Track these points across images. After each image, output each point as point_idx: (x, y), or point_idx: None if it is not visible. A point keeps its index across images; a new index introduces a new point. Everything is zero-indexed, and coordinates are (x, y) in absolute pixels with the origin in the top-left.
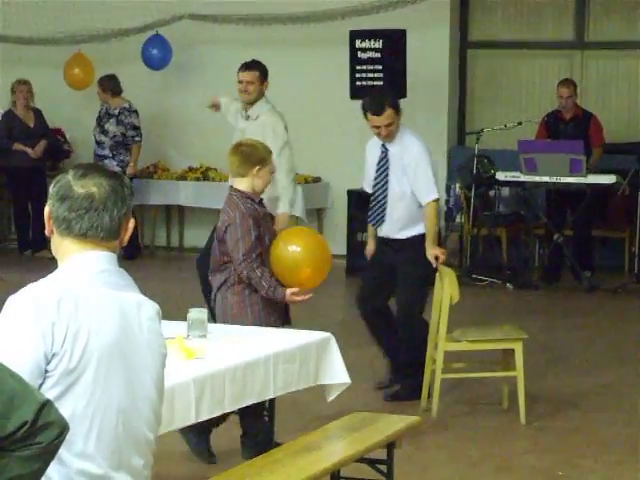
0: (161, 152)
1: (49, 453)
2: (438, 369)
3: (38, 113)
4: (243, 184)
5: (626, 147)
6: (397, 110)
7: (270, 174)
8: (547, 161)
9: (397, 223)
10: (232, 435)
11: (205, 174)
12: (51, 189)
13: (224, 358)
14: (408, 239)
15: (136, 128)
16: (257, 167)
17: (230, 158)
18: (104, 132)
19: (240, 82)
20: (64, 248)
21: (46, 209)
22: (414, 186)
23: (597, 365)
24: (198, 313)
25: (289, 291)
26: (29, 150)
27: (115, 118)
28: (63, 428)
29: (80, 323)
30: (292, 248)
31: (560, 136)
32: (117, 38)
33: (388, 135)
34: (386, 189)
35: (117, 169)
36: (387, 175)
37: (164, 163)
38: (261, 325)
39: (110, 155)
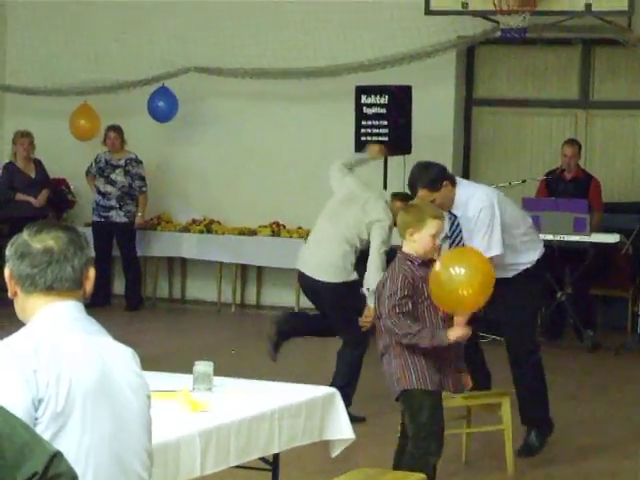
0: (165, 204)
1: None
2: None
3: (39, 163)
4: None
5: (629, 206)
6: (432, 188)
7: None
8: (551, 219)
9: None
10: None
11: (208, 227)
12: (7, 251)
13: (230, 412)
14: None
15: (143, 178)
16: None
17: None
18: (111, 183)
19: None
20: (31, 305)
21: (5, 271)
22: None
23: (598, 422)
24: (204, 366)
25: (450, 331)
26: (32, 200)
27: (122, 169)
28: (72, 479)
29: (60, 367)
30: (452, 269)
31: (560, 195)
32: (123, 90)
33: (441, 207)
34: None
35: (125, 220)
36: (461, 238)
37: (167, 215)
38: (428, 387)
39: (117, 206)
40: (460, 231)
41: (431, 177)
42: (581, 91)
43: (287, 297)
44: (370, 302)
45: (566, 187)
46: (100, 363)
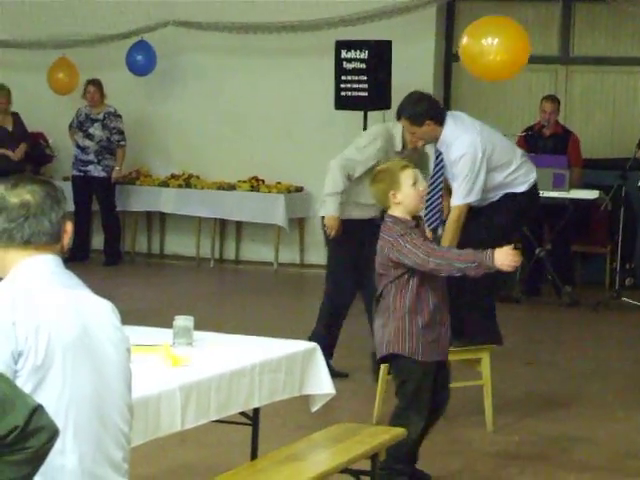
0: (143, 158)
1: (39, 458)
2: None
3: (16, 117)
4: None
5: (609, 162)
6: (413, 121)
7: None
8: None
9: None
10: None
11: (187, 181)
12: None
13: (210, 366)
14: None
15: (121, 132)
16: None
17: None
18: (89, 137)
19: None
20: (9, 259)
21: None
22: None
23: (576, 379)
24: (184, 321)
25: (499, 254)
26: (10, 153)
27: (100, 123)
28: (53, 433)
29: (39, 320)
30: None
31: (539, 151)
32: (102, 43)
33: (414, 143)
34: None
35: (103, 174)
36: (441, 175)
37: (146, 169)
38: (418, 358)
39: (95, 160)
40: (442, 169)
41: (416, 111)
42: (561, 47)
43: (266, 252)
44: (323, 211)
45: (545, 143)
46: (80, 317)
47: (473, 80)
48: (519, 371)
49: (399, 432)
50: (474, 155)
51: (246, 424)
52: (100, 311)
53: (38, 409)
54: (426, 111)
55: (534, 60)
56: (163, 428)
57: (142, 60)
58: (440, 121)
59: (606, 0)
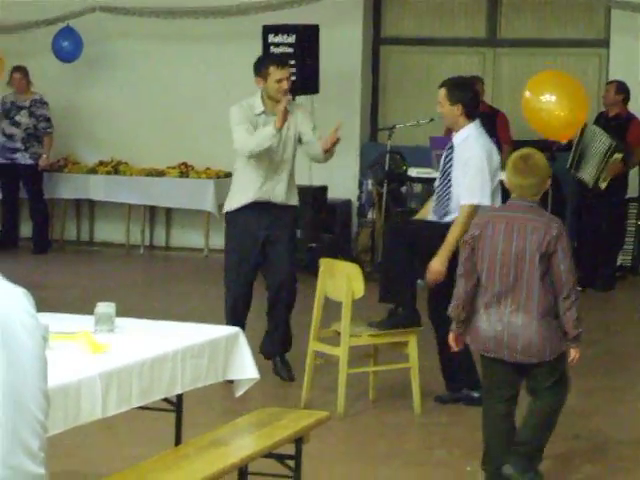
0: (71, 146)
1: None
2: (343, 364)
3: None
4: None
5: (537, 144)
6: (449, 98)
7: None
8: None
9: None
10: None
11: (116, 168)
12: None
13: (132, 353)
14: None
15: (48, 120)
16: None
17: None
18: (15, 124)
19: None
20: None
21: None
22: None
23: None
24: (106, 307)
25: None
26: None
27: (27, 110)
28: None
29: None
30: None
31: None
32: (27, 30)
33: (441, 116)
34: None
35: (30, 162)
36: (450, 172)
37: (74, 157)
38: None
39: (22, 148)
40: (451, 165)
41: (457, 90)
42: (489, 29)
43: (196, 239)
44: None
45: None
46: None
47: (401, 64)
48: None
49: (323, 416)
50: (489, 159)
51: (169, 410)
52: (12, 298)
53: None
54: (465, 97)
55: (462, 42)
56: (83, 416)
57: (68, 46)
58: (469, 114)
59: None
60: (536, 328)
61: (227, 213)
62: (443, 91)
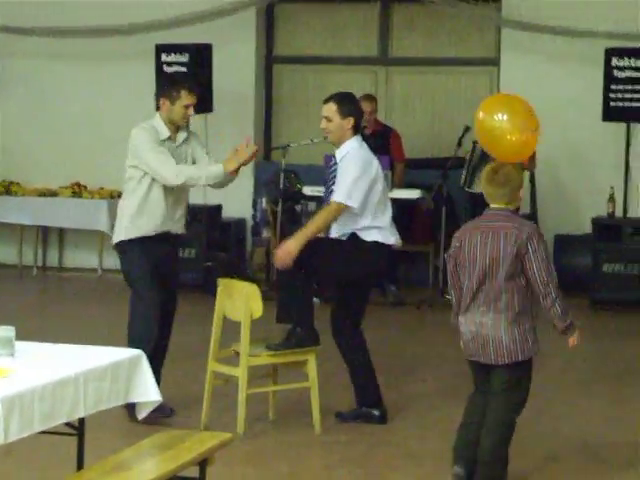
0: None
1: None
2: (243, 384)
3: None
4: None
5: (430, 162)
6: (340, 111)
7: None
8: None
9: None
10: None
11: (7, 188)
12: None
13: (33, 377)
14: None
15: None
16: None
17: None
18: None
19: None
20: None
21: None
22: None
23: (400, 377)
24: (5, 331)
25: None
26: None
27: None
28: None
29: None
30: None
31: None
32: None
33: (326, 132)
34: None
35: None
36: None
37: None
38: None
39: None
40: (334, 182)
41: (347, 104)
42: (380, 48)
43: (89, 259)
44: None
45: (367, 142)
46: None
47: (294, 82)
48: (343, 371)
49: (226, 437)
50: (365, 164)
51: (71, 434)
52: None
53: None
54: (356, 110)
55: (354, 61)
56: None
57: None
58: (356, 129)
59: (423, 1)
60: (505, 329)
61: (123, 241)
62: (333, 106)
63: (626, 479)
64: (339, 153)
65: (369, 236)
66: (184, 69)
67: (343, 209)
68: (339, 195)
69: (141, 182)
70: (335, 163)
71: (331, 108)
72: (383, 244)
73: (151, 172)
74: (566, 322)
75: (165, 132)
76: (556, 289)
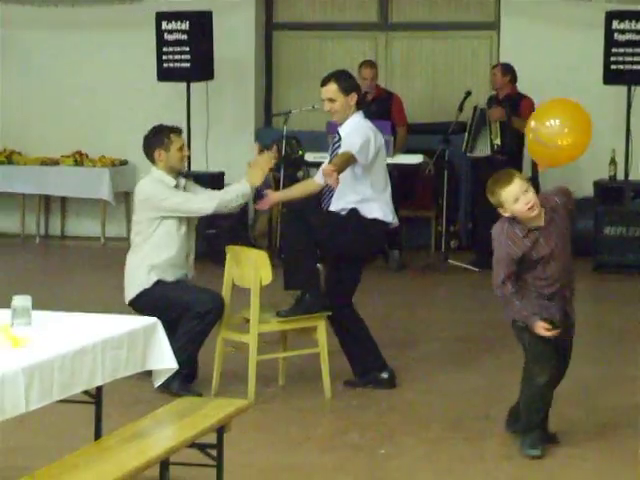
0: None
1: None
2: (253, 351)
3: None
4: None
5: (431, 127)
6: (343, 89)
7: None
8: None
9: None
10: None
11: (9, 158)
12: None
13: (52, 346)
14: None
15: None
16: None
17: None
18: None
19: None
20: None
21: None
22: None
23: (409, 342)
24: (22, 300)
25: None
26: None
27: None
28: None
29: None
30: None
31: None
32: None
33: (332, 112)
34: None
35: None
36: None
37: None
38: None
39: None
40: (336, 151)
41: (347, 81)
42: (380, 14)
43: (92, 227)
44: None
45: (369, 108)
46: None
47: (294, 48)
48: None
49: (243, 404)
50: (374, 135)
51: (89, 402)
52: None
53: None
54: (356, 85)
55: (353, 27)
56: (7, 411)
57: None
58: (360, 105)
59: None
60: None
61: (143, 292)
62: (333, 86)
63: (625, 438)
64: (343, 130)
65: (370, 213)
66: (185, 37)
67: (353, 160)
68: (349, 147)
69: (152, 235)
70: (339, 139)
71: (332, 88)
72: (383, 222)
73: (182, 212)
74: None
75: (171, 181)
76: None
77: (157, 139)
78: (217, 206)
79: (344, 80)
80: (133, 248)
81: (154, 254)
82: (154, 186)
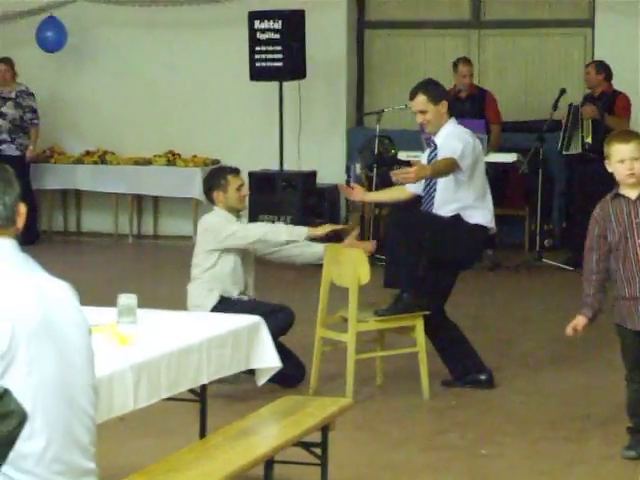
0: (57, 136)
1: (9, 442)
2: (351, 350)
3: None
4: None
5: (525, 125)
6: (432, 99)
7: None
8: None
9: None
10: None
11: (103, 158)
12: None
13: (158, 344)
14: None
15: (34, 111)
16: None
17: None
18: (1, 116)
19: None
20: None
21: None
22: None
23: (506, 341)
24: (127, 299)
25: None
26: None
27: (13, 101)
28: (23, 417)
29: (2, 306)
30: None
31: (457, 115)
32: (10, 20)
33: (425, 124)
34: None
35: (17, 153)
36: None
37: (60, 147)
38: None
39: (9, 139)
40: (435, 158)
41: (435, 90)
42: (472, 11)
43: (184, 226)
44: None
45: (463, 105)
46: (42, 301)
47: (386, 47)
48: None
49: (346, 403)
50: (473, 141)
51: (194, 400)
52: (61, 294)
53: (6, 394)
54: (444, 92)
55: (446, 25)
56: (116, 408)
57: (52, 36)
58: (451, 111)
59: None
60: None
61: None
62: (422, 97)
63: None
64: (439, 138)
65: (472, 218)
66: (277, 36)
67: (456, 167)
68: (451, 154)
69: (209, 269)
70: (435, 147)
71: (421, 100)
72: (484, 227)
73: (238, 239)
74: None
75: (232, 217)
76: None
77: (215, 181)
78: (266, 233)
79: (432, 89)
80: (192, 279)
81: (212, 284)
82: (215, 219)
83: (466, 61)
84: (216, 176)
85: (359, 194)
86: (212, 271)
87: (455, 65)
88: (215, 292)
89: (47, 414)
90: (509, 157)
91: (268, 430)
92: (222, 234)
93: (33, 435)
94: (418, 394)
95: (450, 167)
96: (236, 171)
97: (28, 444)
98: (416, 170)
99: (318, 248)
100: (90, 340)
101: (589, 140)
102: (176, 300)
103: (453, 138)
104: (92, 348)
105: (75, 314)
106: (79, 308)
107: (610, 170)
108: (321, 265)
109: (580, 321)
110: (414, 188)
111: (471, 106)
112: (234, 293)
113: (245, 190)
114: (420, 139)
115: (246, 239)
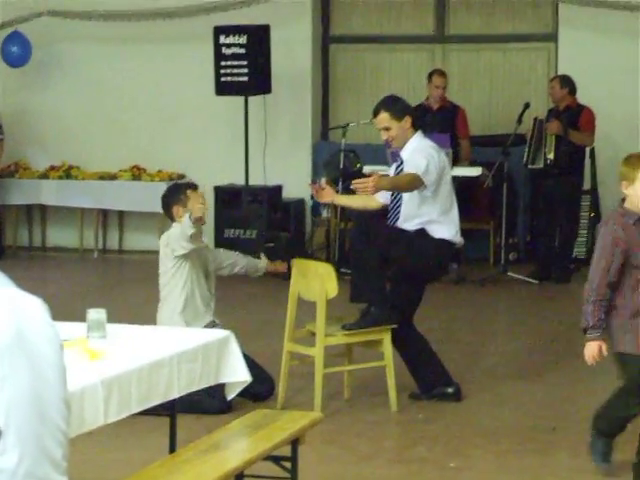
0: (22, 151)
1: None
2: (319, 364)
3: None
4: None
5: (490, 139)
6: (395, 116)
7: None
8: None
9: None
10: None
11: (68, 172)
12: None
13: (129, 359)
14: None
15: None
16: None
17: None
18: None
19: None
20: None
21: None
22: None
23: (473, 354)
24: (97, 314)
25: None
26: None
27: None
28: None
29: None
30: None
31: (427, 127)
32: None
33: (390, 140)
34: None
35: None
36: None
37: (25, 162)
38: None
39: None
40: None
41: (397, 106)
42: (436, 26)
43: (149, 241)
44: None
45: (433, 117)
46: (15, 317)
47: (351, 62)
48: None
49: (316, 416)
50: (438, 154)
51: (164, 415)
52: (32, 309)
53: None
54: (407, 106)
55: (411, 40)
56: (87, 423)
57: (17, 51)
58: (414, 122)
59: None
60: None
61: None
62: (384, 114)
63: None
64: (405, 152)
65: (437, 233)
66: (242, 50)
67: (419, 183)
68: (415, 170)
69: (175, 285)
70: (402, 162)
71: (384, 117)
72: (450, 242)
73: (182, 238)
74: (582, 325)
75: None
76: (591, 289)
77: (174, 197)
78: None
79: (394, 106)
80: (161, 301)
81: (180, 305)
82: (174, 231)
83: (441, 73)
84: (175, 192)
85: (329, 195)
86: (176, 291)
87: (430, 76)
88: (186, 317)
89: (20, 429)
90: (474, 171)
91: (238, 444)
92: (172, 237)
93: (6, 451)
94: (386, 407)
95: (412, 183)
96: (195, 186)
97: (1, 460)
98: (374, 180)
99: (262, 263)
100: (62, 355)
101: (551, 156)
102: (144, 314)
103: (418, 153)
104: (64, 363)
105: (48, 329)
106: (51, 323)
107: (629, 193)
108: (289, 280)
109: (602, 347)
110: (384, 199)
111: (442, 118)
112: (207, 318)
113: (205, 202)
114: (385, 153)
115: (184, 233)
